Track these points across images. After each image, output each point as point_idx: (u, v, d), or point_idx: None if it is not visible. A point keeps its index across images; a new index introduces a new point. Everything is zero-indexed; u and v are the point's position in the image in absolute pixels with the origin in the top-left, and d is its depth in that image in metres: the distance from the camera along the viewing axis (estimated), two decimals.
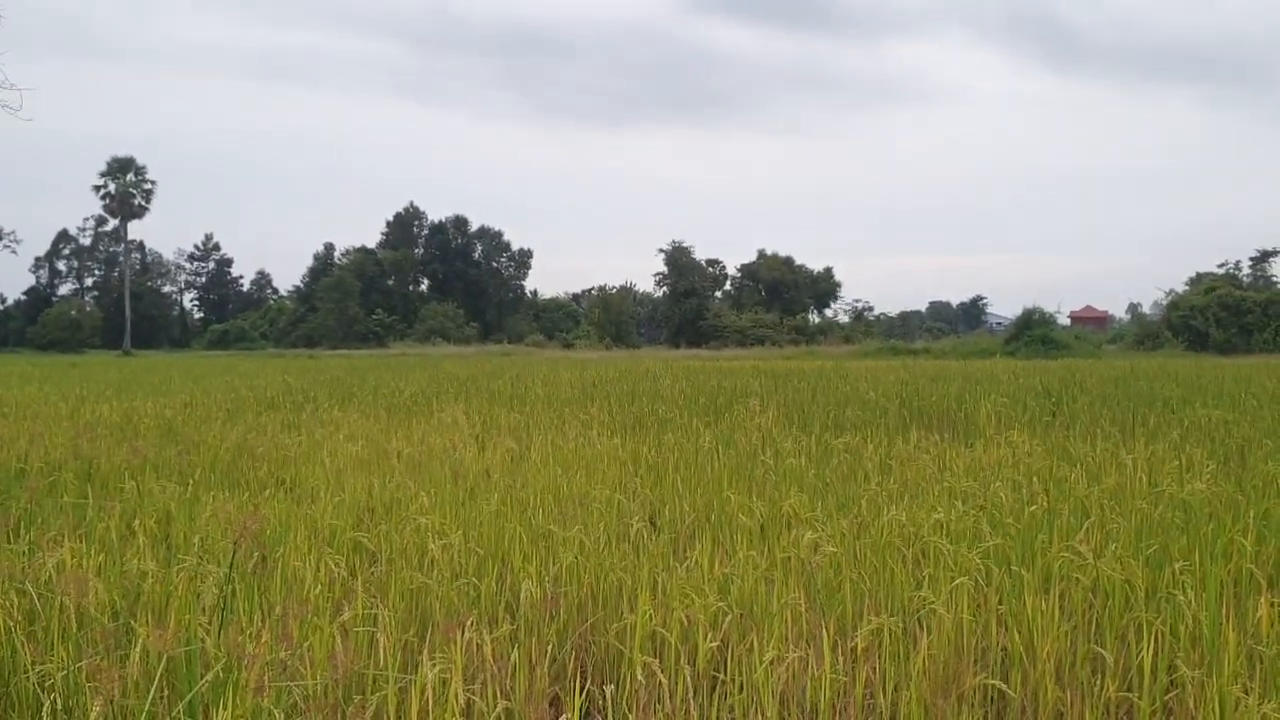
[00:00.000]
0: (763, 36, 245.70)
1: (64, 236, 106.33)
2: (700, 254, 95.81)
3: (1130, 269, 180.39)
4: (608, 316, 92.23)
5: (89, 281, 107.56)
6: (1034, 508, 6.31)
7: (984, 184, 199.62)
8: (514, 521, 6.19)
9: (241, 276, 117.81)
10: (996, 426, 12.00)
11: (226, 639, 3.58)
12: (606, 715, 3.67)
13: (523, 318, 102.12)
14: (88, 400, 17.88)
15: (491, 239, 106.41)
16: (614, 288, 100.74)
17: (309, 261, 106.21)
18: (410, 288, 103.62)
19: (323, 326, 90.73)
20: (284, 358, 64.05)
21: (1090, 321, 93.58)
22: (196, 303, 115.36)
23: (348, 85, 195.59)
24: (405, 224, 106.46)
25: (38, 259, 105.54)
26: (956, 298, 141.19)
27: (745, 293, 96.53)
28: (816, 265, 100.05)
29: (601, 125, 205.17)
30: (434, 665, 3.52)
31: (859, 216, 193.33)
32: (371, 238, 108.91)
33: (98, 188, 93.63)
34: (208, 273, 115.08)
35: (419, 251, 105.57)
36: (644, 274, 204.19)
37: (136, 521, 6.34)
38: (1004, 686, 3.95)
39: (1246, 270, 78.20)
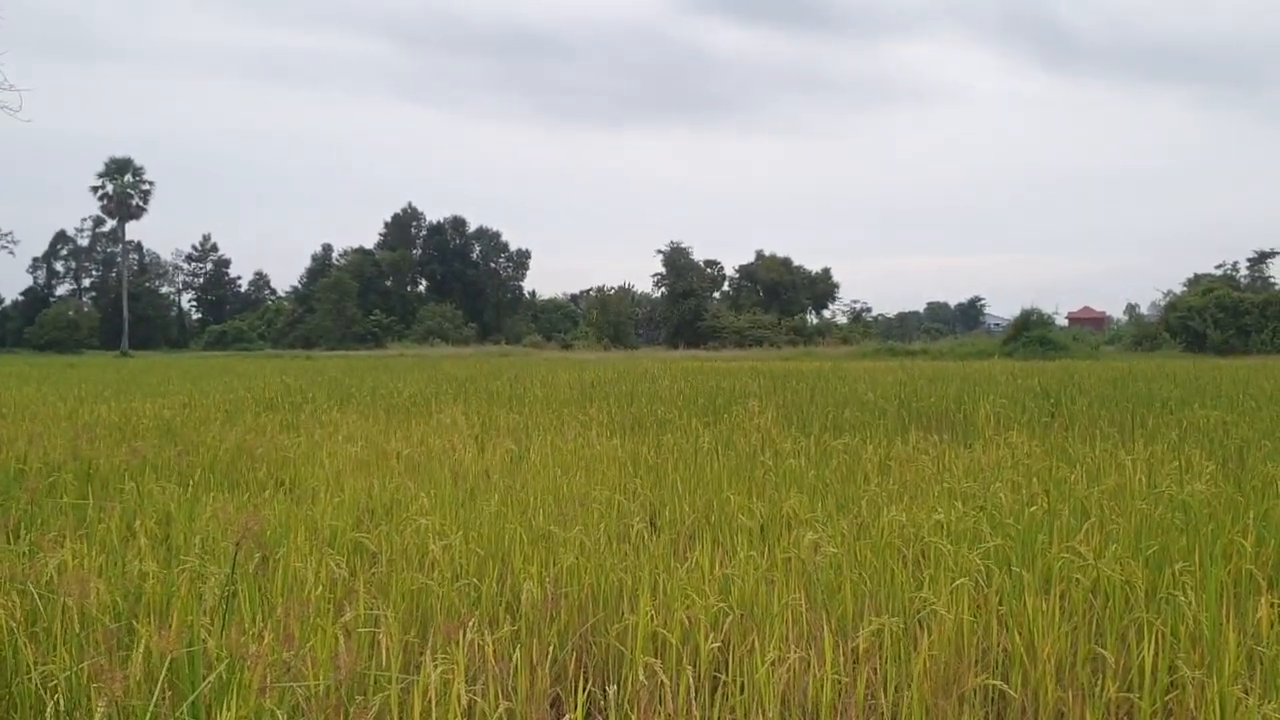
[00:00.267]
0: (760, 37, 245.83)
1: (62, 237, 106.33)
2: (698, 255, 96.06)
3: (1128, 270, 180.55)
4: (606, 317, 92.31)
5: (87, 282, 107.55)
6: (1034, 508, 6.32)
7: (981, 184, 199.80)
8: (514, 522, 6.20)
9: (239, 277, 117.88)
10: (995, 427, 12.02)
11: (229, 640, 3.58)
12: (608, 716, 3.67)
13: (521, 318, 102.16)
14: (86, 401, 17.87)
15: (489, 239, 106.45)
16: (612, 288, 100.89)
17: (307, 262, 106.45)
18: (408, 288, 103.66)
19: (320, 327, 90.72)
20: (282, 358, 64.03)
21: (1088, 322, 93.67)
22: (194, 303, 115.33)
23: (346, 86, 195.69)
24: (403, 225, 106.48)
25: (35, 259, 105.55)
26: (954, 299, 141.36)
27: (743, 293, 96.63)
28: (814, 266, 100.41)
29: (600, 126, 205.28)
30: (436, 666, 3.52)
31: (857, 217, 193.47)
32: (369, 238, 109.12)
33: (95, 188, 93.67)
34: (205, 273, 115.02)
35: (417, 252, 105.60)
36: (642, 275, 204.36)
37: (137, 522, 6.34)
38: (1005, 687, 3.96)
39: (1244, 271, 78.47)
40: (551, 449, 10.16)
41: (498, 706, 3.57)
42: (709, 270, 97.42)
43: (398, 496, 7.44)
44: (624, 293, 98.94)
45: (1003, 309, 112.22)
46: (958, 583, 4.60)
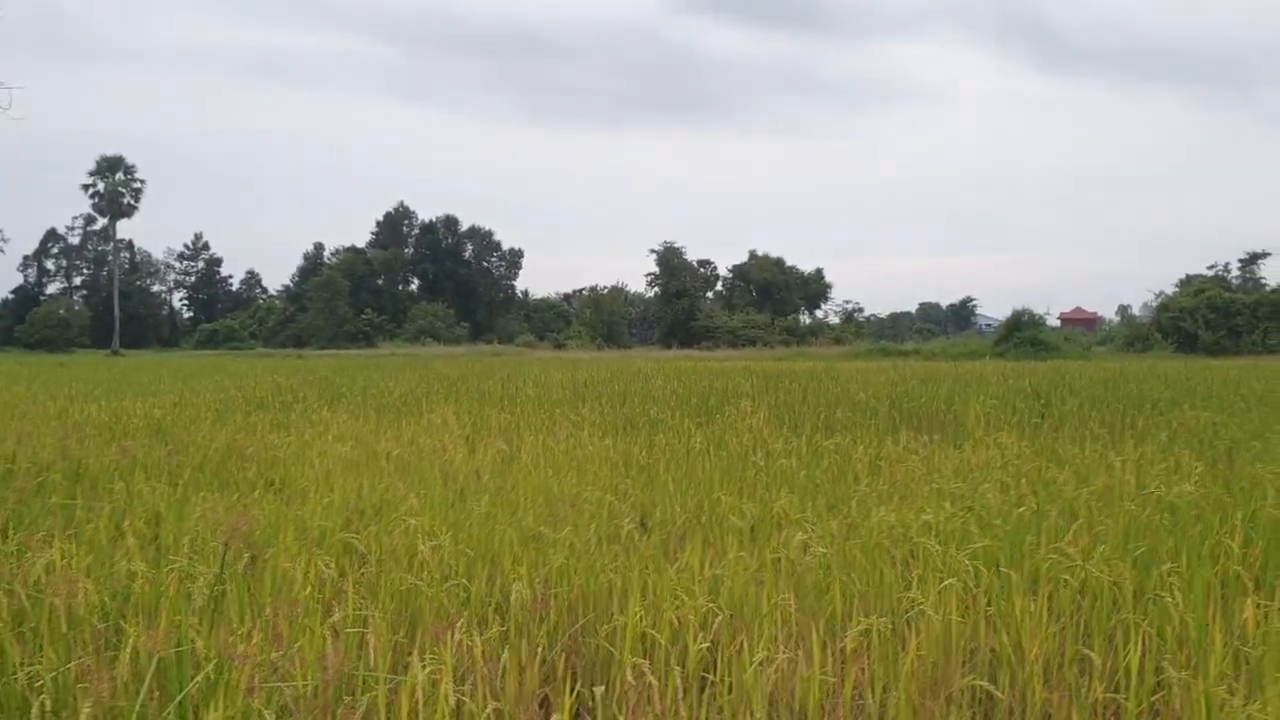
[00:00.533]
0: (755, 37, 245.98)
1: (52, 235, 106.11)
2: (692, 254, 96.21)
3: (1120, 271, 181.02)
4: (599, 317, 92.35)
5: (77, 280, 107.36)
6: (1022, 509, 6.34)
7: (973, 185, 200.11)
8: (504, 523, 6.20)
9: (231, 276, 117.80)
10: (985, 428, 12.04)
11: (217, 639, 3.58)
12: (596, 716, 3.67)
13: (514, 318, 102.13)
14: (76, 400, 17.82)
15: (482, 239, 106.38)
16: (605, 288, 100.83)
17: (299, 261, 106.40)
18: (400, 287, 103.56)
19: (312, 326, 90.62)
20: (273, 357, 63.90)
21: (1080, 323, 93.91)
22: (186, 302, 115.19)
23: (339, 84, 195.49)
24: (395, 223, 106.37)
25: (26, 258, 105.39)
26: (946, 299, 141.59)
27: (737, 293, 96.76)
28: (807, 266, 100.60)
29: (593, 125, 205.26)
30: (424, 666, 3.52)
31: (850, 217, 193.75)
32: (361, 237, 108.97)
33: (86, 186, 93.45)
34: (197, 272, 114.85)
35: (409, 251, 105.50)
36: (635, 274, 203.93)
37: (126, 522, 6.32)
38: (991, 688, 3.98)
39: (1235, 272, 78.77)
40: (543, 449, 10.16)
41: (486, 706, 3.58)
42: (702, 270, 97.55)
43: (387, 497, 7.42)
44: (617, 292, 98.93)
45: (995, 310, 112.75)
46: (946, 583, 4.61)
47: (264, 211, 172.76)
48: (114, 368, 40.09)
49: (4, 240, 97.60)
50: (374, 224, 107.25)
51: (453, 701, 3.49)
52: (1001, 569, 5.05)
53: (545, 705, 4.14)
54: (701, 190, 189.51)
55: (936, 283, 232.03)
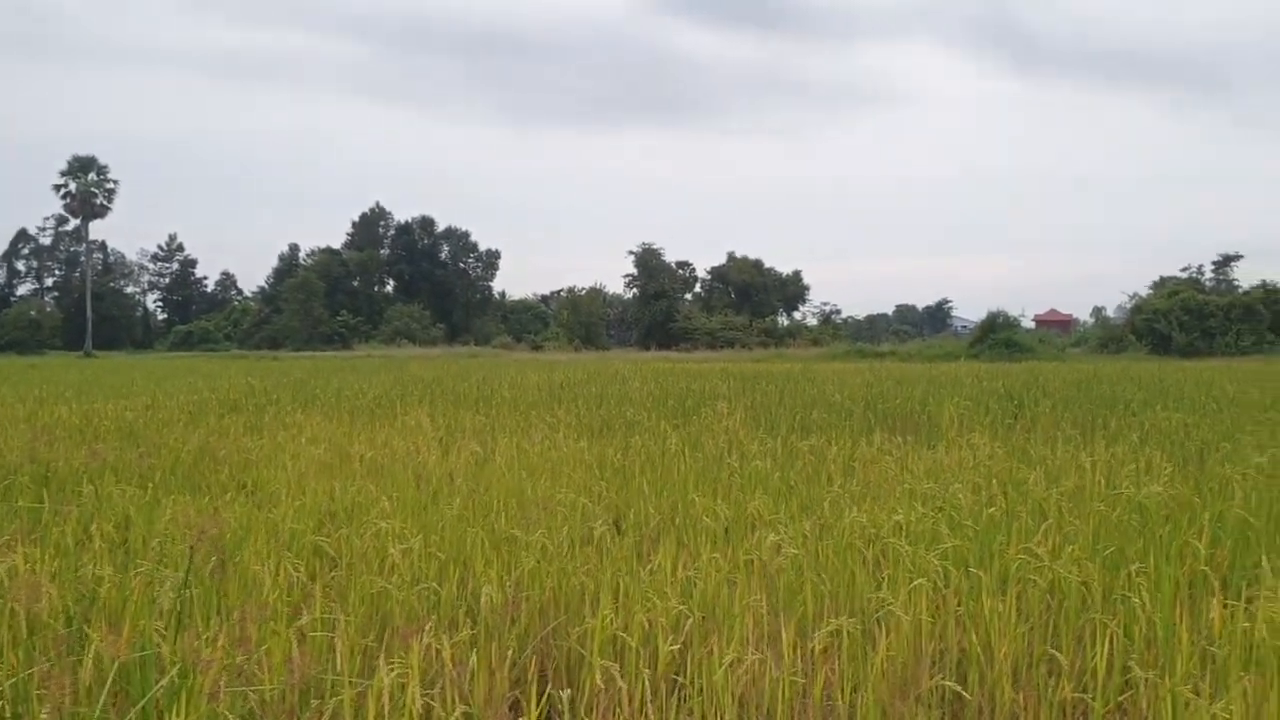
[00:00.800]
0: (732, 39, 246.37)
1: (23, 236, 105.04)
2: (670, 256, 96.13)
3: (1095, 273, 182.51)
4: (577, 318, 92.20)
5: (49, 282, 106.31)
6: (992, 510, 6.37)
7: (950, 187, 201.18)
8: (476, 526, 6.18)
9: (205, 277, 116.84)
10: (959, 429, 12.10)
11: (183, 644, 3.54)
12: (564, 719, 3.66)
13: (490, 319, 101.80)
14: (46, 402, 17.65)
15: (458, 239, 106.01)
16: (583, 289, 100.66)
17: (274, 262, 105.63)
18: (376, 288, 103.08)
19: (287, 328, 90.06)
20: (248, 359, 63.51)
21: (1054, 325, 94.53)
22: (160, 304, 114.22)
23: (314, 85, 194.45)
24: (371, 224, 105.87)
25: None
26: (922, 301, 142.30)
27: (715, 295, 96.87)
28: (785, 268, 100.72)
29: (570, 126, 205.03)
30: (391, 670, 3.50)
31: (828, 219, 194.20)
32: (337, 238, 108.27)
33: (58, 187, 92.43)
34: (171, 273, 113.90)
35: (385, 252, 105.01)
36: (614, 275, 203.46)
37: (94, 525, 6.26)
38: (959, 688, 3.99)
39: (1209, 274, 79.54)
40: (517, 451, 10.14)
41: (454, 710, 3.56)
42: (681, 271, 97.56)
43: (359, 499, 7.39)
44: (595, 294, 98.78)
45: (970, 311, 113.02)
46: (915, 583, 4.63)
47: (239, 213, 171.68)
48: (86, 369, 39.73)
49: None
50: (349, 225, 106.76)
51: (420, 705, 3.47)
52: (971, 569, 5.07)
53: (516, 708, 4.12)
54: (680, 192, 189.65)
55: (913, 285, 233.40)
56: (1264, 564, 5.10)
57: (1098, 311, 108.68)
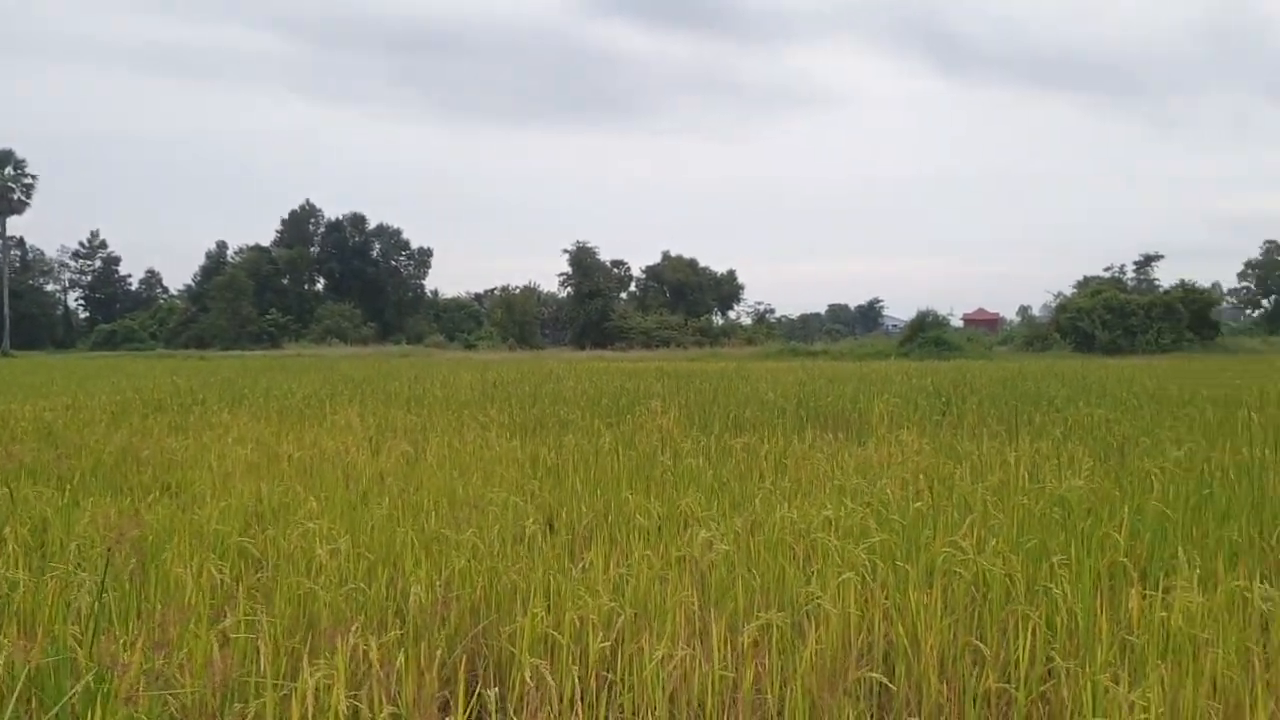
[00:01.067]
0: (664, 40, 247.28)
1: None
2: (605, 255, 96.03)
3: (1021, 272, 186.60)
4: (511, 317, 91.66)
5: None
6: (919, 504, 6.47)
7: (881, 188, 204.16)
8: (406, 526, 6.11)
9: (130, 275, 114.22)
10: (888, 426, 12.27)
11: (99, 648, 3.45)
12: (492, 718, 3.64)
13: (423, 318, 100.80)
14: None
15: (390, 237, 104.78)
16: (517, 288, 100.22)
17: (201, 260, 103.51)
18: (306, 287, 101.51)
19: (215, 326, 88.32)
20: (174, 358, 62.19)
21: (982, 324, 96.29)
22: (82, 302, 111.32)
23: (243, 81, 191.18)
24: (300, 222, 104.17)
25: None
26: (855, 300, 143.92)
27: (650, 294, 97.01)
28: (720, 267, 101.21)
29: (503, 125, 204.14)
30: (316, 671, 3.44)
31: (761, 219, 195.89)
32: (266, 236, 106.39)
33: None
34: (94, 271, 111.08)
35: (315, 250, 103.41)
36: (548, 274, 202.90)
37: (8, 529, 6.07)
38: (884, 680, 4.03)
39: (1131, 274, 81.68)
40: (449, 451, 10.05)
41: (382, 711, 3.51)
42: (616, 271, 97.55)
43: (287, 500, 7.27)
44: (529, 292, 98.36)
45: (901, 311, 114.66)
46: (844, 577, 4.67)
47: (165, 210, 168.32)
48: (2, 369, 38.56)
49: None
50: (279, 222, 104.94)
51: (346, 707, 3.42)
52: (898, 563, 5.14)
53: (446, 708, 4.08)
54: (614, 191, 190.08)
55: (846, 284, 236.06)
56: (1180, 555, 5.24)
57: (1024, 310, 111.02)
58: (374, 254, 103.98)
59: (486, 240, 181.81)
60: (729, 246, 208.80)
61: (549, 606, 4.67)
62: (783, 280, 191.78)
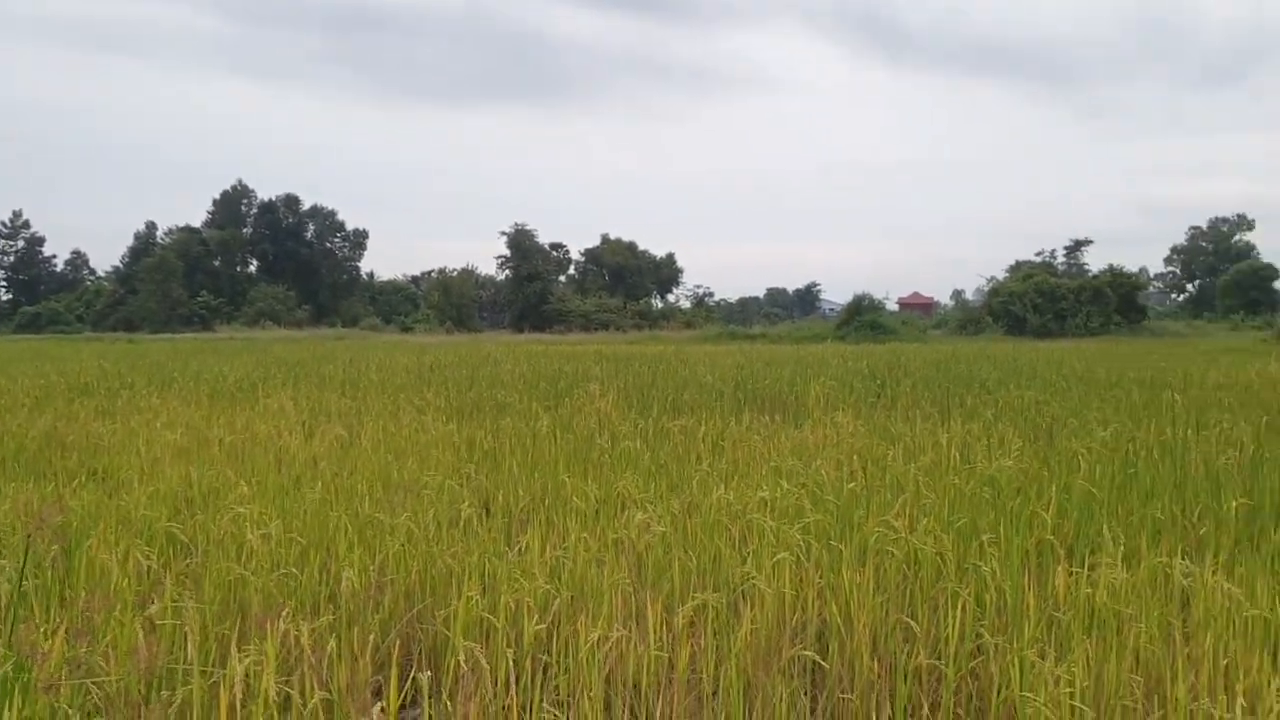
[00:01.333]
0: (604, 21, 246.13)
1: None
2: (544, 238, 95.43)
3: (955, 257, 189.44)
4: (448, 300, 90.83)
5: None
6: (853, 485, 6.54)
7: (819, 173, 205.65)
8: (339, 510, 6.04)
9: (55, 256, 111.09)
10: (824, 408, 12.38)
11: (17, 637, 3.36)
12: (424, 702, 3.61)
13: (358, 300, 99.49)
14: None
15: (325, 218, 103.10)
16: (455, 270, 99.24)
17: (129, 241, 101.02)
18: (238, 269, 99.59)
19: (144, 309, 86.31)
20: (101, 341, 60.69)
21: (917, 307, 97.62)
22: (4, 284, 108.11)
23: (170, 57, 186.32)
24: (232, 202, 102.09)
25: None
26: (793, 284, 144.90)
27: (589, 277, 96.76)
28: (659, 251, 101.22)
29: (440, 105, 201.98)
30: (245, 657, 3.39)
31: (701, 203, 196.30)
32: (196, 216, 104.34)
33: None
34: (16, 251, 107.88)
35: (247, 231, 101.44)
36: (486, 257, 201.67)
37: None
38: (818, 658, 4.08)
39: (1061, 258, 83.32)
40: (384, 435, 9.95)
41: (313, 696, 3.47)
42: (555, 253, 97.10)
43: (217, 485, 7.14)
44: (467, 275, 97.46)
45: (838, 295, 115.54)
46: (779, 557, 4.71)
47: (91, 190, 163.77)
48: None
49: None
50: (210, 203, 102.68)
51: (276, 692, 3.38)
52: (832, 543, 5.19)
53: (380, 693, 4.05)
54: (553, 173, 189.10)
55: (784, 268, 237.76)
56: (1105, 533, 5.36)
57: (957, 294, 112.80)
58: (308, 235, 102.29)
59: (423, 222, 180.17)
60: (669, 230, 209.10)
61: (484, 590, 4.65)
62: (722, 264, 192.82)
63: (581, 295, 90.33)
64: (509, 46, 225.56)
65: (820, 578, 4.75)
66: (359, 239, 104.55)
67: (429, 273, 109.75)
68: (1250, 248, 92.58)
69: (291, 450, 8.89)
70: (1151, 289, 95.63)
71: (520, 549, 5.35)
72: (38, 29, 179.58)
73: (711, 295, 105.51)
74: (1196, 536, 5.88)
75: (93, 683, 3.34)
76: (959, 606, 4.23)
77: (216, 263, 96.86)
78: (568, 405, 12.98)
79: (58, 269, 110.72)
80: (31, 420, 11.31)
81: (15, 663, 3.17)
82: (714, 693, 3.93)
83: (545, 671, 4.06)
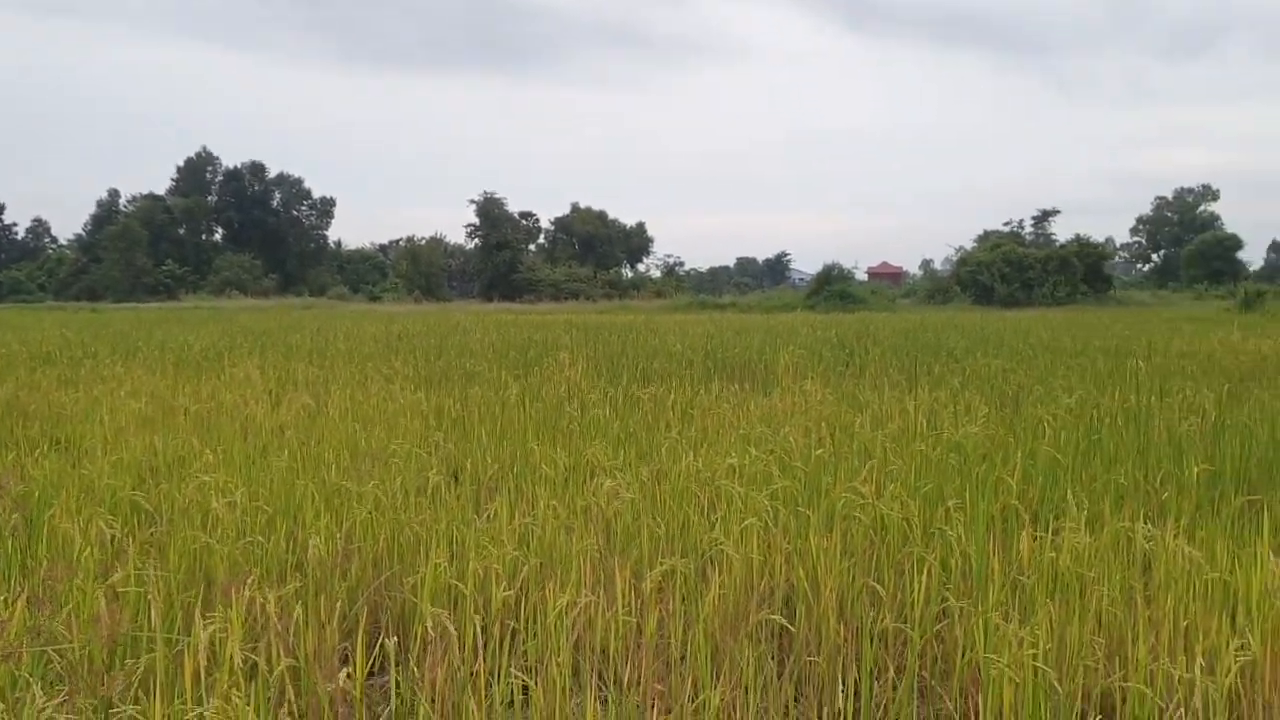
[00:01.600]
0: None
1: None
2: (513, 206, 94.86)
3: (924, 227, 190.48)
4: (417, 269, 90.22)
5: None
6: (820, 451, 6.57)
7: (788, 143, 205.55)
8: (306, 478, 6.00)
9: (15, 224, 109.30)
10: (793, 376, 12.42)
11: None
12: (391, 669, 3.61)
13: (326, 269, 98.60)
14: None
15: (291, 186, 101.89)
16: (423, 239, 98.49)
17: (91, 209, 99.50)
18: (203, 237, 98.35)
19: (107, 278, 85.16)
20: (64, 311, 59.86)
21: (886, 277, 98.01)
22: None
23: (133, 21, 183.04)
24: (197, 170, 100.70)
25: None
26: (763, 254, 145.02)
27: (559, 246, 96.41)
28: (630, 220, 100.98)
29: (409, 72, 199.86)
30: (210, 624, 3.36)
31: (671, 172, 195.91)
32: (161, 184, 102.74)
33: None
34: None
35: (212, 199, 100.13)
36: (455, 226, 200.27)
37: None
38: (785, 622, 4.11)
39: (1029, 228, 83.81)
40: (351, 403, 9.89)
41: (280, 663, 3.46)
42: (524, 222, 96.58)
43: (183, 454, 7.08)
44: (436, 244, 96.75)
45: (807, 264, 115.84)
46: (747, 523, 4.73)
47: (52, 156, 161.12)
48: None
49: None
50: (174, 170, 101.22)
51: (242, 660, 3.36)
52: (800, 509, 5.22)
53: (348, 660, 4.04)
54: (523, 141, 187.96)
55: (754, 238, 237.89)
56: (1069, 498, 5.43)
57: (926, 264, 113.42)
58: (274, 204, 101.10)
59: (391, 191, 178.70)
60: (639, 199, 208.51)
61: (453, 557, 4.65)
62: (692, 233, 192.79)
63: (551, 264, 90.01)
64: (479, 12, 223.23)
65: (788, 543, 4.78)
66: (326, 207, 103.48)
67: (397, 241, 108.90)
68: (1215, 218, 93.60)
69: (258, 419, 8.83)
70: (1117, 259, 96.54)
71: (489, 516, 5.34)
72: None
73: (682, 265, 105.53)
74: (1158, 501, 5.96)
75: (54, 650, 3.31)
76: (925, 571, 4.27)
77: (181, 231, 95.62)
78: (537, 374, 12.96)
79: (18, 237, 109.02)
80: None
81: None
82: (682, 657, 3.95)
83: (513, 637, 4.07)
